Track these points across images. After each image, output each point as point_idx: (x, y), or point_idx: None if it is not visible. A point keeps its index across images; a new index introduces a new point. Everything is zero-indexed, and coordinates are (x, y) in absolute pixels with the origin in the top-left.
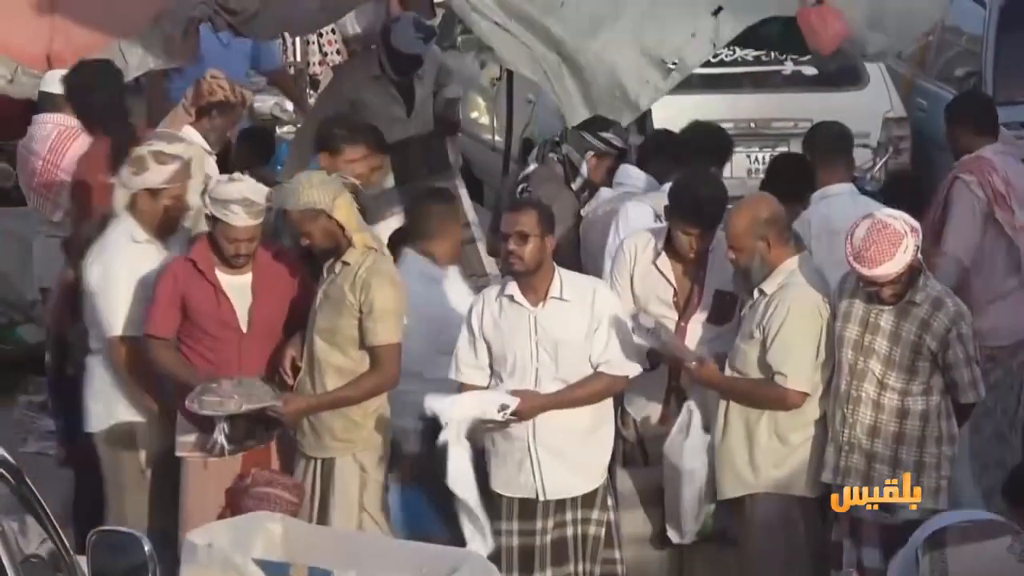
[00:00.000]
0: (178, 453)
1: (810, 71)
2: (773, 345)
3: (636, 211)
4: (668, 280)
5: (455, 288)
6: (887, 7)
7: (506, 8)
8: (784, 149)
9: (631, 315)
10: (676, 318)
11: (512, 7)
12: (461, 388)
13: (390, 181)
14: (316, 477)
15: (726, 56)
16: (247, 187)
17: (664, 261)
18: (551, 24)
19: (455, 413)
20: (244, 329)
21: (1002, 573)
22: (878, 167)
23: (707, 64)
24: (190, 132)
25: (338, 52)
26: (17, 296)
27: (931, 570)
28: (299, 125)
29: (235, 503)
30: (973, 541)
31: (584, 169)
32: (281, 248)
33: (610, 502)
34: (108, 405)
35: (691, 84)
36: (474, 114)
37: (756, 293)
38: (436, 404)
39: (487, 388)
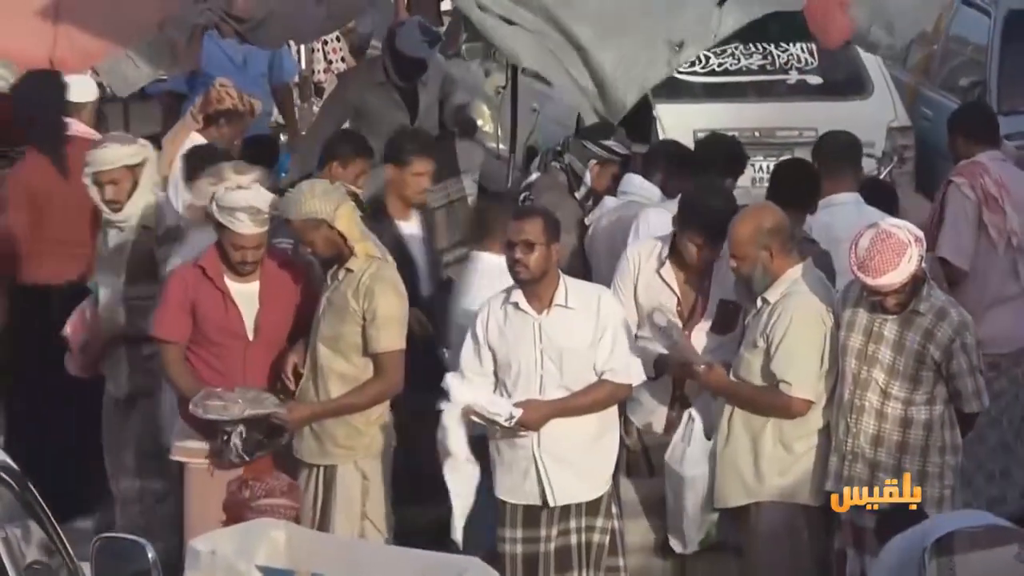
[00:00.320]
0: (174, 457)
1: (815, 80)
2: (777, 354)
3: (657, 218)
4: (672, 289)
5: None
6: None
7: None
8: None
9: (648, 311)
10: (680, 327)
11: None
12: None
13: None
14: (318, 484)
15: (731, 65)
16: (253, 195)
17: (668, 270)
18: (562, 12)
19: (466, 396)
20: (250, 337)
21: None
22: (882, 176)
23: (712, 73)
24: (197, 139)
25: (343, 59)
26: None
27: None
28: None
29: (236, 516)
30: (981, 548)
31: (587, 177)
32: (288, 256)
33: (614, 510)
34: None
35: (696, 93)
36: (479, 122)
37: (759, 302)
38: (453, 382)
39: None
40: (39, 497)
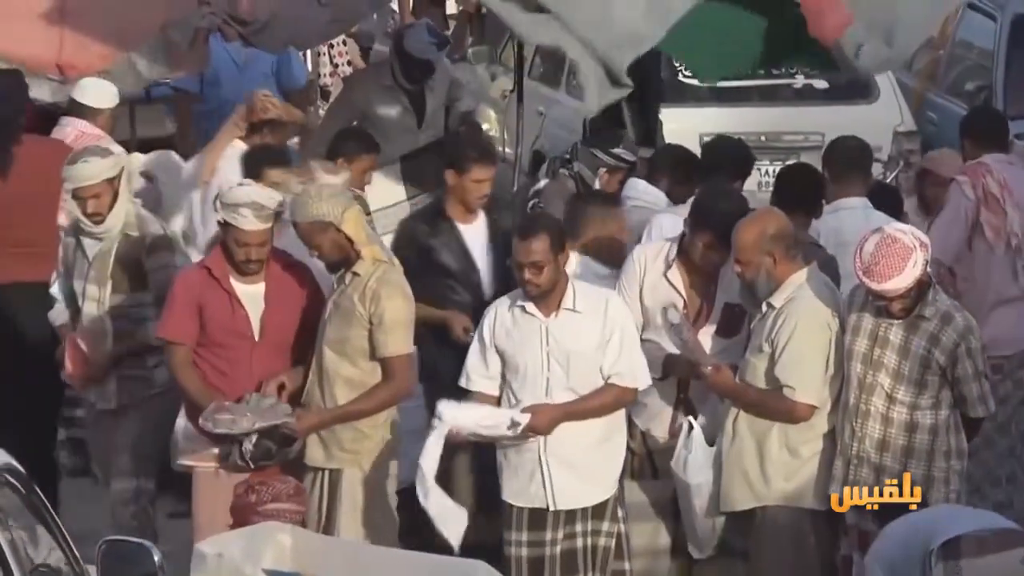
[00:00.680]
0: (182, 461)
1: (821, 84)
2: (781, 358)
3: (670, 223)
4: (679, 292)
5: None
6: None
7: None
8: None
9: (661, 308)
10: (691, 325)
11: None
12: (471, 397)
13: (400, 193)
14: (324, 488)
15: None
16: (256, 191)
17: (675, 273)
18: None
19: (460, 420)
20: (257, 338)
21: None
22: (888, 181)
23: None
24: (239, 147)
25: (349, 63)
26: None
27: None
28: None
29: (242, 520)
30: (989, 552)
31: (597, 185)
32: (294, 259)
33: (620, 513)
34: None
35: (702, 97)
36: (484, 126)
37: (765, 307)
38: (446, 410)
39: (498, 399)
40: (45, 499)
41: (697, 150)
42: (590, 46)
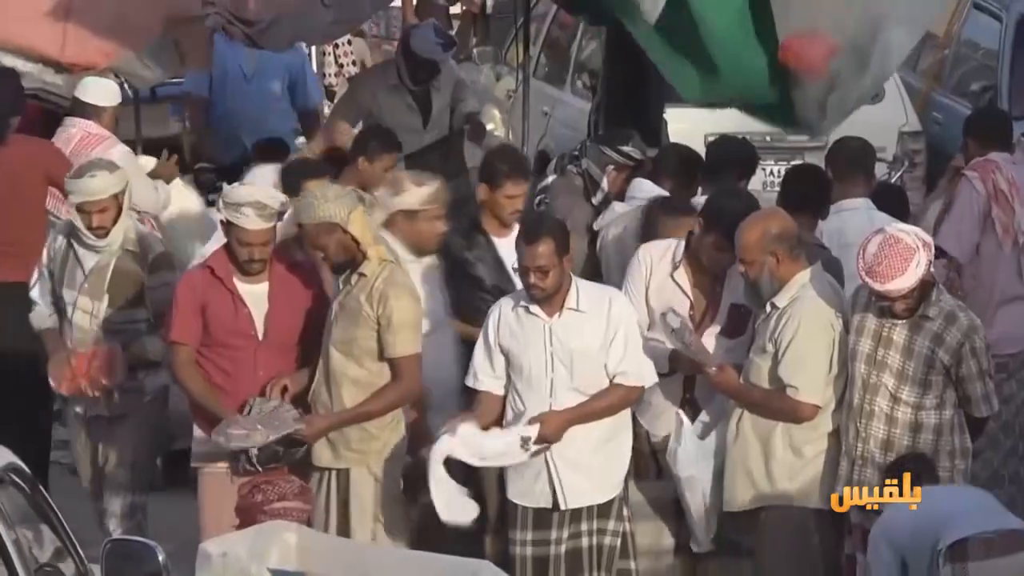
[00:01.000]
0: (194, 464)
1: None
2: (784, 358)
3: None
4: (685, 293)
5: None
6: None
7: None
8: (799, 163)
9: (661, 312)
10: (692, 329)
11: None
12: (478, 396)
13: None
14: (331, 489)
15: None
16: (259, 191)
17: (681, 274)
18: None
19: (467, 457)
20: (260, 338)
21: None
22: (893, 181)
23: None
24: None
25: (353, 63)
26: None
27: None
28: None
29: (249, 520)
30: (996, 555)
31: (605, 183)
32: (297, 259)
33: (625, 512)
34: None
35: None
36: (490, 126)
37: (768, 307)
38: (459, 450)
39: (504, 398)
40: (50, 499)
41: (702, 150)
42: None
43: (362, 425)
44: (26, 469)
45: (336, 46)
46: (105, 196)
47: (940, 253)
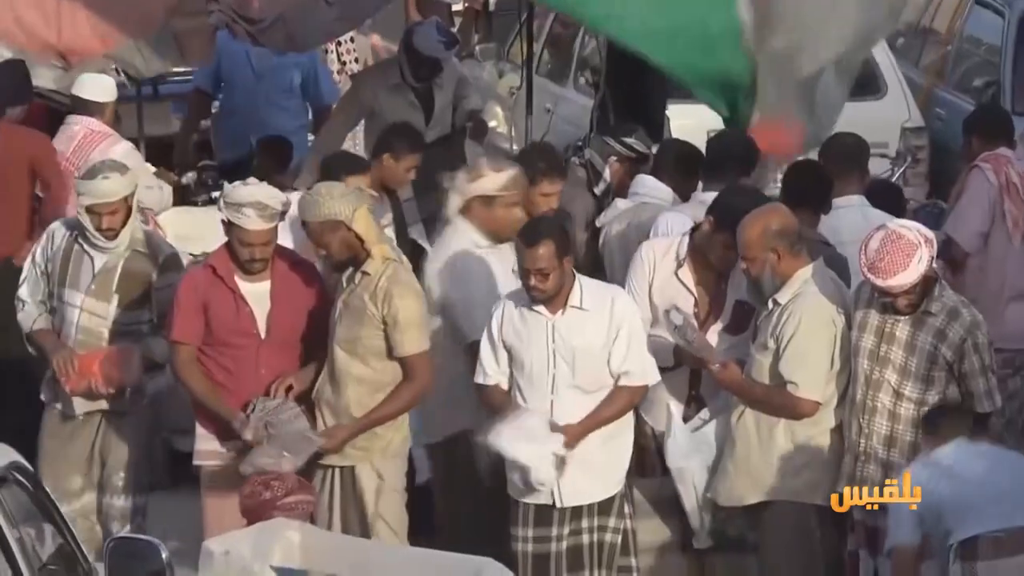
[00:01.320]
0: (196, 462)
1: None
2: (785, 355)
3: (676, 221)
4: (689, 290)
5: None
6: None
7: None
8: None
9: (665, 309)
10: (695, 326)
11: None
12: (486, 390)
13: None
14: (335, 486)
15: None
16: (260, 191)
17: (685, 271)
18: None
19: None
20: (262, 336)
21: None
22: (896, 177)
23: None
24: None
25: (356, 60)
26: None
27: None
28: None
29: (261, 517)
30: (1006, 554)
31: (607, 174)
32: (299, 257)
33: (627, 510)
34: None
35: None
36: (492, 123)
37: (771, 303)
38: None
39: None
40: (52, 497)
41: (704, 146)
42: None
43: None
44: (29, 467)
45: (339, 43)
46: (117, 198)
47: (939, 253)
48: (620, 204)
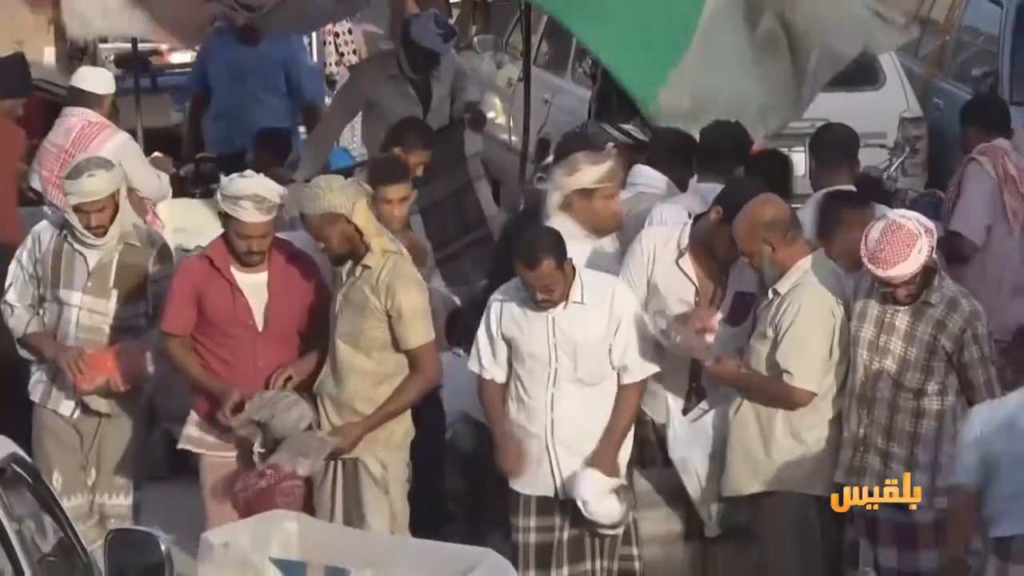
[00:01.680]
0: (180, 446)
1: None
2: (782, 344)
3: (671, 213)
4: (691, 279)
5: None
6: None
7: None
8: (800, 149)
9: (650, 312)
10: (679, 328)
11: None
12: (483, 384)
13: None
14: (337, 477)
15: None
16: (257, 183)
17: (687, 261)
18: None
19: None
20: (259, 327)
21: None
22: (894, 167)
23: None
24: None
25: (354, 52)
26: None
27: None
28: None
29: (267, 506)
30: None
31: None
32: (298, 250)
33: (629, 500)
34: None
35: None
36: (491, 114)
37: (771, 293)
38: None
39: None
40: (51, 489)
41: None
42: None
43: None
44: (28, 459)
45: (336, 35)
46: (104, 196)
47: (944, 249)
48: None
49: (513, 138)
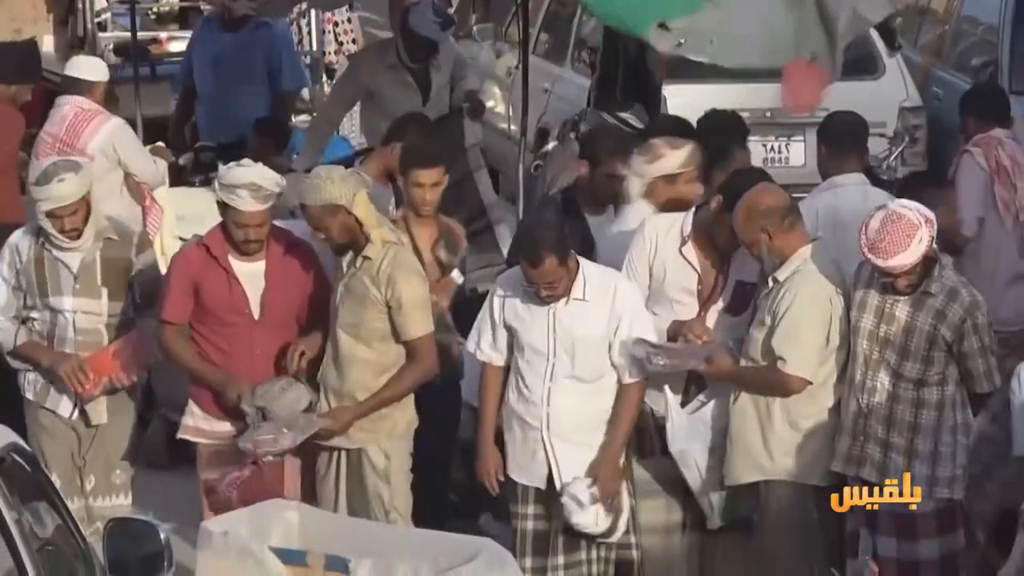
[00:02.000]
0: (180, 435)
1: None
2: (777, 330)
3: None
4: (693, 267)
5: None
6: None
7: None
8: (800, 138)
9: (633, 341)
10: (697, 307)
11: None
12: (483, 366)
13: None
14: (341, 468)
15: None
16: (254, 172)
17: (690, 248)
18: None
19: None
20: (256, 316)
21: None
22: (894, 156)
23: None
24: None
25: (353, 41)
26: None
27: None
28: (314, 114)
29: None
30: None
31: None
32: (296, 239)
33: (628, 489)
34: None
35: (705, 73)
36: (490, 103)
37: (770, 281)
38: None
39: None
40: (50, 478)
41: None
42: None
43: None
44: (27, 448)
45: (335, 24)
46: (76, 199)
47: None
48: None
49: (512, 127)
